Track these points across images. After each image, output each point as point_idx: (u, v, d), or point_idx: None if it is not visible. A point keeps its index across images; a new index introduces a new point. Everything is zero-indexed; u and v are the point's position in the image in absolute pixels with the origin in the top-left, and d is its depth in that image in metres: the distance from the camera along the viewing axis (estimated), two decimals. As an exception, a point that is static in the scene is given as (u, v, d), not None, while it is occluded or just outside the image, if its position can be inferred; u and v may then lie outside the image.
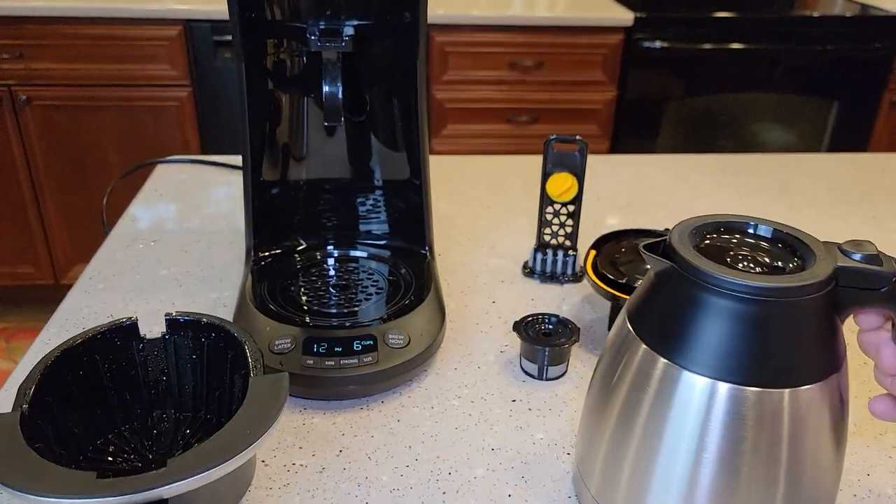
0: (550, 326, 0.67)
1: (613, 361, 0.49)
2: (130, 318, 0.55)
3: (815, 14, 2.27)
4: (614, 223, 0.96)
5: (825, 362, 0.44)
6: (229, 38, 1.96)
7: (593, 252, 0.74)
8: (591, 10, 2.15)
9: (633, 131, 2.29)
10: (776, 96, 2.28)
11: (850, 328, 0.45)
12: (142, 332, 0.56)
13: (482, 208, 1.00)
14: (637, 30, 2.12)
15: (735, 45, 2.20)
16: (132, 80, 2.01)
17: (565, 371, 0.68)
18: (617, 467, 0.48)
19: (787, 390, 0.43)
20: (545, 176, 0.79)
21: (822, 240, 0.47)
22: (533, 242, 0.84)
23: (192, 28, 1.97)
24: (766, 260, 0.46)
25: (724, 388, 0.43)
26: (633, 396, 0.47)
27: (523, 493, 0.55)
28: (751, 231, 0.48)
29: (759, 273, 0.44)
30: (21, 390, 0.46)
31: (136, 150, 2.10)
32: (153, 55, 1.98)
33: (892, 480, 0.57)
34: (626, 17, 2.10)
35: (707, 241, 0.47)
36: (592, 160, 0.79)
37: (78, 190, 2.14)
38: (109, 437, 0.54)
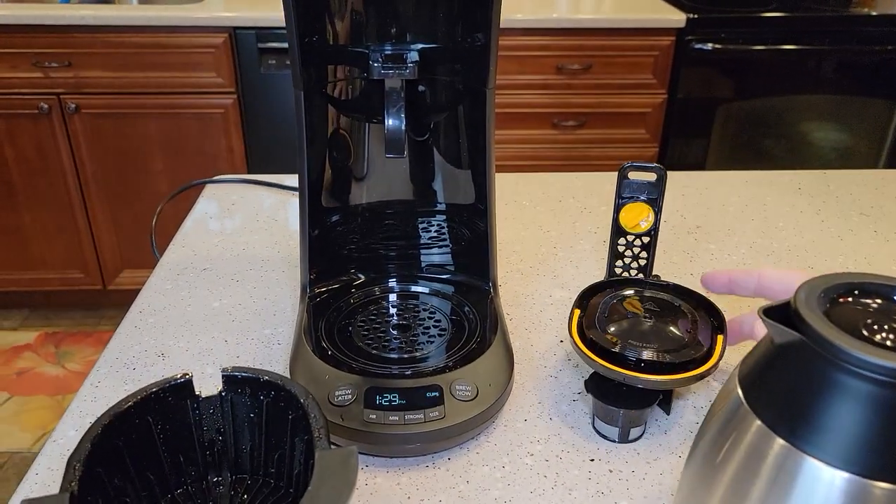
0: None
1: (720, 434, 0.43)
2: (186, 374, 0.51)
3: (874, 13, 2.16)
4: (685, 251, 0.90)
5: None
6: (274, 45, 1.95)
7: (577, 311, 0.65)
8: (642, 10, 2.07)
9: (683, 134, 2.21)
10: (832, 98, 2.18)
11: None
12: (196, 387, 0.52)
13: (541, 233, 0.95)
14: (689, 31, 2.05)
15: (789, 46, 2.11)
16: (178, 87, 2.00)
17: (643, 431, 0.62)
18: None
19: None
20: (618, 205, 0.74)
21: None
22: (598, 270, 0.78)
23: (237, 36, 1.95)
24: None
25: (850, 480, 0.37)
26: (742, 478, 0.41)
27: (609, 573, 0.50)
28: (893, 296, 0.41)
29: None
30: (70, 465, 0.43)
31: (182, 156, 2.10)
32: (199, 63, 1.97)
33: None
34: (677, 17, 2.03)
35: (839, 305, 0.41)
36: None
37: (125, 196, 2.15)
38: (164, 502, 0.50)
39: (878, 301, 0.41)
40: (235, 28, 1.94)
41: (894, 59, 2.13)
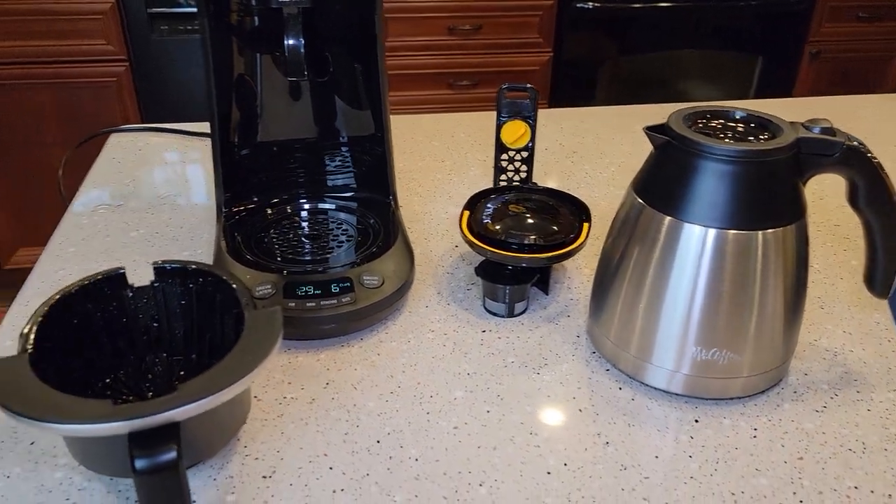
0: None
1: (622, 230, 0.61)
2: (119, 268, 0.57)
3: (739, -30, 2.36)
4: (563, 171, 1.02)
5: (789, 213, 0.56)
6: (163, 9, 1.94)
7: (467, 212, 0.75)
8: (527, -28, 2.18)
9: (570, 91, 2.35)
10: (705, 53, 2.37)
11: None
12: (130, 281, 0.58)
13: (436, 162, 1.04)
14: (571, -10, 2.18)
15: (664, 4, 2.27)
16: (67, 55, 1.96)
17: (526, 307, 0.73)
18: (632, 312, 0.61)
19: (759, 232, 0.55)
20: (499, 124, 0.84)
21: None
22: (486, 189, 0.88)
23: (124, 1, 1.92)
24: (744, 134, 0.57)
25: (712, 232, 0.55)
26: (644, 251, 0.59)
27: (500, 409, 0.60)
28: (732, 115, 0.60)
29: (738, 141, 0.56)
30: (23, 335, 0.49)
31: (76, 128, 2.06)
32: (87, 30, 1.94)
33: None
34: (560, -22, 2.15)
35: (699, 124, 0.59)
36: (538, 114, 0.84)
37: (17, 171, 2.09)
38: (107, 381, 0.57)
39: (721, 120, 0.60)
40: (122, -7, 1.91)
41: (756, 13, 2.33)
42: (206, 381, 0.45)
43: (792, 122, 0.58)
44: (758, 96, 2.47)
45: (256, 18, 0.74)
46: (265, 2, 0.67)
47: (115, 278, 0.57)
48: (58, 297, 0.53)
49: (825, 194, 0.95)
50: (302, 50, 0.68)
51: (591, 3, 2.21)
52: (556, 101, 2.34)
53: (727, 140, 0.56)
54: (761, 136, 0.57)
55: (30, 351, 0.47)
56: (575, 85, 2.34)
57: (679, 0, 2.28)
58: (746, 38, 2.37)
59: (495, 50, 2.24)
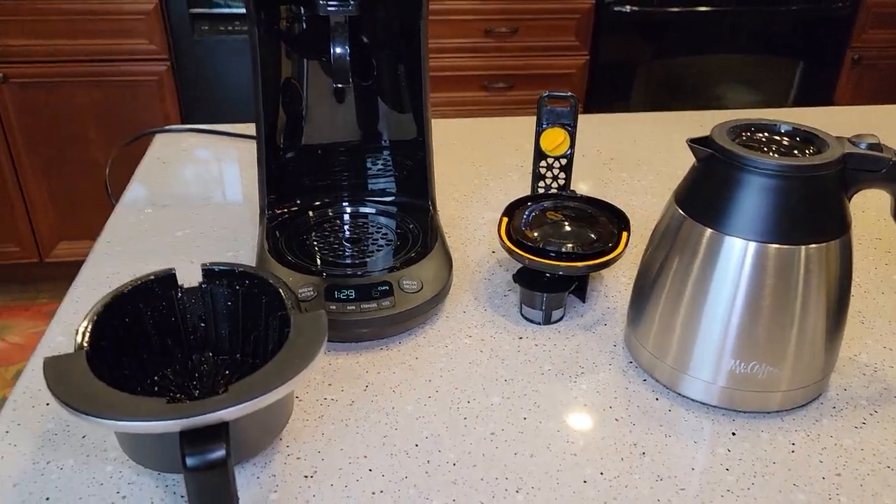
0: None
1: (663, 240, 0.62)
2: (170, 269, 0.59)
3: (779, -24, 2.33)
4: (601, 178, 1.02)
5: (833, 228, 0.56)
6: (206, 10, 1.97)
7: (505, 219, 0.75)
8: (564, -25, 2.18)
9: (606, 94, 2.34)
10: (743, 57, 2.35)
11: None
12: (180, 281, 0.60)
13: (474, 168, 1.05)
14: (608, -6, 2.17)
15: (702, 8, 2.25)
16: (110, 55, 2.01)
17: (563, 314, 0.73)
18: (671, 323, 0.61)
19: (802, 246, 0.55)
20: (539, 132, 0.84)
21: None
22: (524, 194, 0.88)
23: (167, 1, 1.96)
24: (789, 148, 0.58)
25: (753, 246, 0.56)
26: (684, 262, 0.60)
27: (537, 416, 0.60)
28: (776, 129, 0.60)
29: (783, 156, 0.56)
30: (79, 332, 0.50)
31: (116, 125, 2.11)
32: (130, 29, 1.98)
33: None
34: (597, -19, 2.15)
35: (743, 137, 0.59)
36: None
37: (59, 167, 2.14)
38: (155, 378, 0.58)
39: (766, 133, 0.60)
40: (166, -7, 1.96)
41: (797, 19, 2.31)
42: (256, 383, 0.47)
43: (838, 137, 0.57)
44: (797, 101, 2.44)
45: (304, 24, 0.75)
46: (313, 10, 0.68)
47: (166, 279, 0.59)
48: (111, 296, 0.55)
49: (867, 207, 0.94)
50: (348, 58, 0.69)
51: (628, 7, 2.20)
52: (592, 103, 2.34)
53: (772, 154, 0.56)
54: (807, 151, 0.57)
55: (86, 348, 0.49)
56: (611, 87, 2.33)
57: (717, 4, 2.26)
58: (786, 42, 2.34)
59: (531, 53, 2.24)
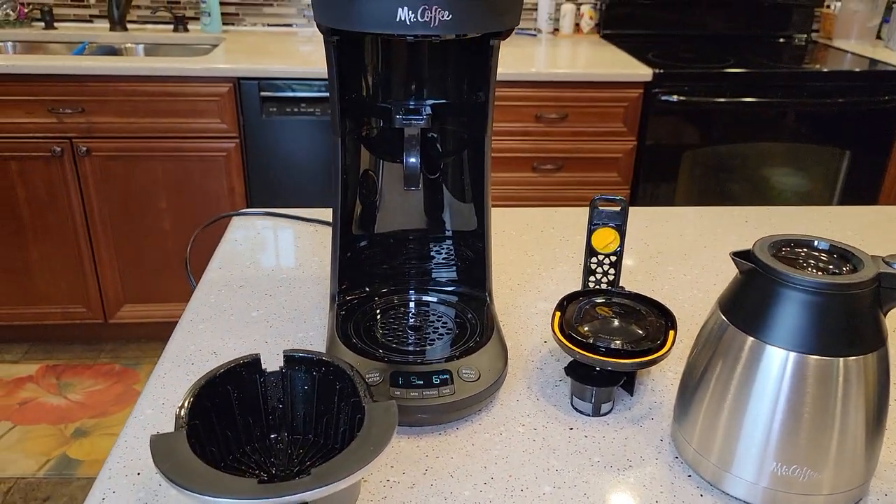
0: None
1: (707, 344, 0.67)
2: (255, 354, 0.65)
3: (825, 69, 2.39)
4: (648, 271, 1.06)
5: (869, 341, 0.60)
6: (275, 94, 2.12)
7: (558, 314, 0.80)
8: (613, 66, 2.28)
9: (652, 178, 2.40)
10: (789, 146, 2.40)
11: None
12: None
13: (527, 256, 1.10)
14: (655, 84, 2.25)
15: (747, 99, 2.32)
16: (184, 132, 2.16)
17: (612, 407, 0.77)
18: (715, 423, 0.65)
19: (840, 359, 0.59)
20: (590, 230, 0.90)
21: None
22: (575, 286, 0.94)
23: (241, 85, 2.12)
24: (826, 264, 0.63)
25: (793, 356, 0.60)
26: (727, 367, 0.64)
27: (586, 506, 0.64)
28: (815, 246, 0.66)
29: (821, 273, 0.62)
30: (179, 412, 0.57)
31: (186, 196, 2.24)
32: (204, 110, 2.13)
33: (904, 498, 0.66)
34: (645, 72, 2.24)
35: (783, 252, 0.64)
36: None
37: (129, 234, 2.28)
38: (238, 455, 0.64)
39: (805, 249, 0.66)
40: (240, 78, 2.11)
41: (841, 110, 2.36)
42: (336, 467, 0.52)
43: (873, 256, 0.62)
44: (845, 189, 2.46)
45: (380, 133, 0.84)
46: (390, 124, 0.76)
47: (252, 364, 0.65)
48: (206, 378, 0.61)
49: (911, 309, 0.97)
50: (419, 167, 0.76)
51: (675, 97, 2.28)
52: (639, 186, 2.40)
53: (810, 270, 0.61)
54: (844, 268, 0.61)
55: (186, 429, 0.55)
56: (658, 171, 2.39)
57: (763, 95, 2.32)
58: (833, 132, 2.39)
59: (580, 137, 2.32)
